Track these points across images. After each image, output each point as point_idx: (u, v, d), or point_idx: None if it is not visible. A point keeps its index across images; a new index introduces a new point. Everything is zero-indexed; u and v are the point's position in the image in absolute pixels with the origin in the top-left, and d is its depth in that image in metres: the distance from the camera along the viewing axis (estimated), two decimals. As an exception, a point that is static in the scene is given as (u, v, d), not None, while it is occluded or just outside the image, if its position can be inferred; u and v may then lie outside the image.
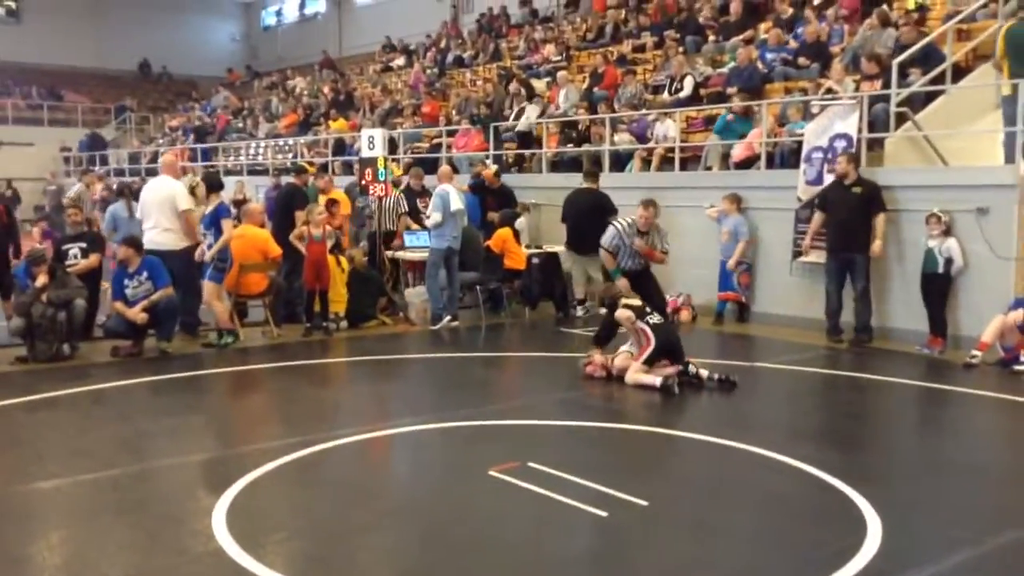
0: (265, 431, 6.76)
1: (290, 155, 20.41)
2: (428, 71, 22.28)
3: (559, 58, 18.49)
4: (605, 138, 13.17)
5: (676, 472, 5.75)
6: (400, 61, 25.56)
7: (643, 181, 12.31)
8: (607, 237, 9.24)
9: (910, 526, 4.66)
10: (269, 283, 10.02)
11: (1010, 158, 9.20)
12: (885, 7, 12.53)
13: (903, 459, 6.13)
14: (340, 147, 18.85)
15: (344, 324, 10.75)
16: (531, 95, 15.97)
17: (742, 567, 4.21)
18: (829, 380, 8.48)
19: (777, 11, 14.82)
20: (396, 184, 12.77)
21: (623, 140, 13.29)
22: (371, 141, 11.88)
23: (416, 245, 11.96)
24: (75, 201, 13.84)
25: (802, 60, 12.91)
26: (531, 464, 5.55)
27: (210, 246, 9.81)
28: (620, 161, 13.16)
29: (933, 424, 7.33)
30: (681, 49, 15.13)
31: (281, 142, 21.71)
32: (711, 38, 15.55)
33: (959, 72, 10.79)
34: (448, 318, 10.89)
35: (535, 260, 12.02)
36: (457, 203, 10.82)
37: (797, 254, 10.59)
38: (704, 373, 7.77)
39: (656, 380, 7.60)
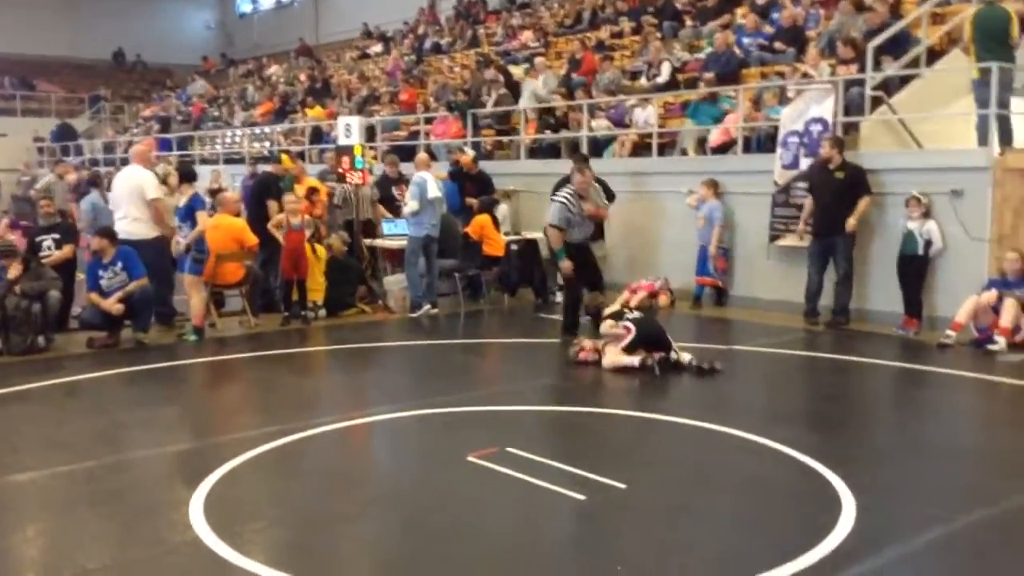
0: (243, 420, 6.74)
1: (267, 143, 20.27)
2: (405, 58, 22.15)
3: (537, 44, 18.45)
4: (583, 124, 13.17)
5: (655, 455, 5.78)
6: (377, 48, 25.40)
7: (621, 166, 12.33)
8: (554, 215, 8.89)
9: (884, 505, 4.70)
10: (246, 272, 9.96)
11: (983, 141, 9.27)
12: (860, -9, 12.57)
13: (878, 439, 6.19)
14: (317, 135, 18.74)
15: (322, 313, 10.71)
16: (509, 82, 15.92)
17: (719, 548, 4.25)
18: (807, 362, 8.54)
19: (754, -4, 14.85)
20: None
21: (601, 126, 13.29)
22: (348, 129, 11.82)
23: (394, 233, 11.92)
24: (45, 192, 13.70)
25: (778, 45, 12.95)
26: (509, 449, 5.56)
27: (185, 237, 9.74)
28: (598, 147, 13.16)
29: (908, 404, 7.40)
30: (659, 35, 15.13)
31: (257, 130, 21.54)
32: (688, 23, 15.57)
33: (934, 56, 10.86)
34: (427, 306, 10.88)
35: (514, 247, 12.02)
36: (435, 191, 10.80)
37: (774, 238, 10.65)
38: (686, 358, 7.78)
39: (635, 360, 7.63)
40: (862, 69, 10.39)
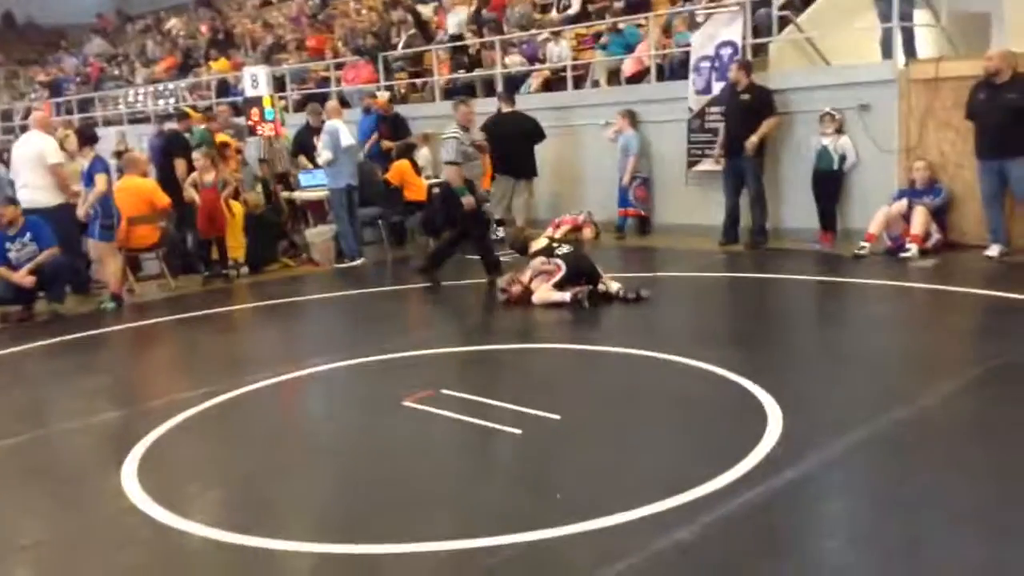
0: (171, 385, 6.62)
1: (171, 100, 19.61)
2: (310, 2, 21.53)
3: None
4: (497, 62, 13.02)
5: (586, 385, 5.87)
6: (280, -6, 24.63)
7: (539, 102, 12.25)
8: (449, 151, 8.83)
9: (807, 412, 4.87)
10: (161, 234, 9.70)
11: (887, 54, 9.46)
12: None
13: (799, 351, 6.39)
14: (224, 88, 18.18)
15: (245, 270, 10.53)
16: (419, 22, 15.61)
17: (654, 467, 4.35)
18: (728, 283, 8.73)
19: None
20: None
21: (515, 62, 13.17)
22: (255, 80, 11.50)
23: (312, 184, 11.71)
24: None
25: (685, -30, 12.90)
26: (444, 391, 5.59)
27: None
28: (513, 84, 13.05)
29: (826, 316, 7.64)
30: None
31: (161, 87, 20.80)
32: (595, -47, 15.39)
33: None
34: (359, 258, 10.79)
35: (436, 190, 11.89)
36: (348, 138, 10.62)
37: (692, 164, 10.77)
38: (615, 287, 7.83)
39: (566, 296, 7.69)
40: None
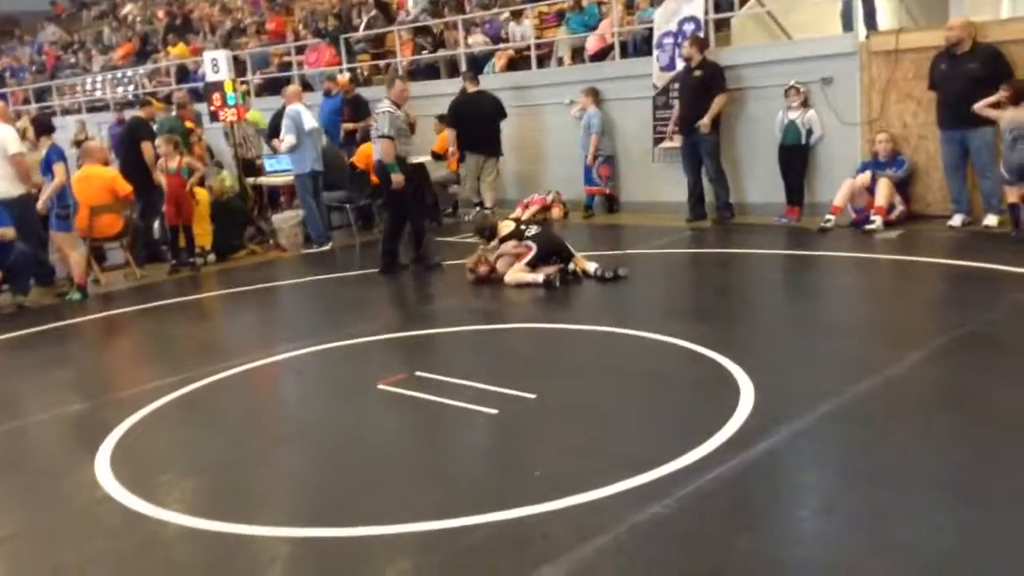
0: (141, 374, 6.55)
1: (130, 87, 19.30)
2: (269, -15, 21.25)
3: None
4: (460, 42, 12.95)
5: (561, 364, 5.89)
6: (238, -24, 24.26)
7: (504, 82, 12.21)
8: (385, 125, 8.66)
9: (779, 385, 4.93)
10: (124, 223, 9.57)
11: (848, 26, 9.52)
12: None
13: (769, 324, 6.46)
14: (184, 74, 17.92)
15: (212, 258, 10.42)
16: (379, 3, 15.47)
17: (631, 443, 4.39)
18: (697, 259, 8.79)
19: None
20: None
21: (478, 42, 13.11)
22: (215, 64, 11.34)
23: (277, 169, 11.60)
24: None
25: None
26: (419, 373, 5.59)
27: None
28: (477, 64, 12.99)
29: (795, 289, 7.73)
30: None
31: (119, 75, 20.47)
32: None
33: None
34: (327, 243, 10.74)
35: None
36: (311, 122, 10.52)
37: (658, 141, 10.80)
38: (591, 268, 7.82)
39: (539, 277, 7.70)
40: (729, -35, 10.48)
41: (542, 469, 4.15)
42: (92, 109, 19.76)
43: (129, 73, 20.06)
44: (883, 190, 8.79)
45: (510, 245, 8.05)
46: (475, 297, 7.83)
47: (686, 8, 10.44)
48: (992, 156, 8.27)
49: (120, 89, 19.58)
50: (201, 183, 10.52)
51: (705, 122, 9.64)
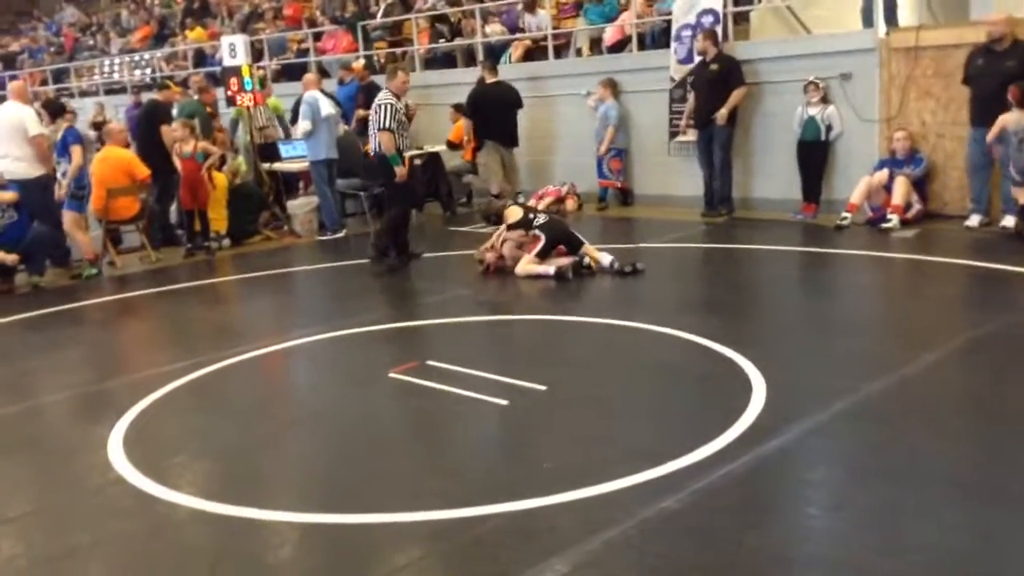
0: (154, 357, 6.58)
1: (148, 70, 19.35)
2: (287, -29, 21.23)
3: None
4: (477, 31, 12.92)
5: (572, 356, 5.89)
6: (256, -39, 24.25)
7: (520, 72, 12.18)
8: (385, 118, 8.54)
9: (792, 382, 4.92)
10: (141, 206, 9.61)
11: (868, 22, 9.45)
12: None
13: (784, 321, 6.44)
14: (201, 58, 17.96)
15: (226, 242, 10.46)
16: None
17: (642, 437, 4.39)
18: (711, 253, 8.75)
19: None
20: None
21: (495, 31, 13.07)
22: (232, 49, 11.34)
23: (292, 155, 11.62)
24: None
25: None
26: (430, 362, 5.60)
27: (64, 174, 9.32)
28: (493, 53, 12.95)
29: (810, 286, 7.69)
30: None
31: (137, 57, 20.52)
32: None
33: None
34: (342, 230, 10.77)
35: (417, 161, 11.84)
36: (328, 108, 10.52)
37: (674, 134, 10.76)
38: (606, 260, 7.77)
39: (550, 269, 7.69)
40: (750, -42, 10.42)
41: (552, 461, 4.16)
42: (110, 91, 19.81)
43: (147, 56, 20.11)
44: (900, 188, 8.73)
45: (517, 234, 8.02)
46: (486, 288, 7.82)
47: (705, 0, 10.38)
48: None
49: (138, 72, 19.63)
50: (220, 167, 10.54)
51: (723, 113, 9.60)
